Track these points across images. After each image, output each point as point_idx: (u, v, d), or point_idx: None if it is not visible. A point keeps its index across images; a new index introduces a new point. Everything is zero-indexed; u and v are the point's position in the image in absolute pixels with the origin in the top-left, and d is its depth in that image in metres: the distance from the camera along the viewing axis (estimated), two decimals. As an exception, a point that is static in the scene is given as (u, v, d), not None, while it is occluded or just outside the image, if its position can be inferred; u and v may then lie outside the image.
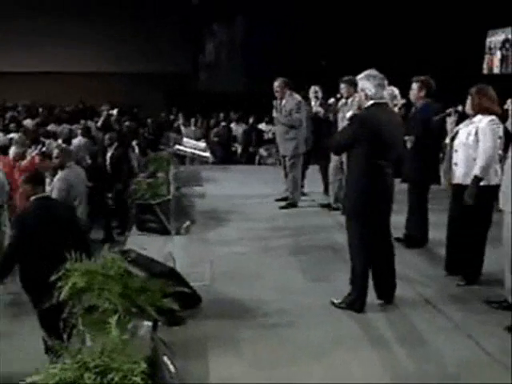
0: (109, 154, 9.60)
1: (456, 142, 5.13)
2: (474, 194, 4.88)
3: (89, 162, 9.99)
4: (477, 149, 4.96)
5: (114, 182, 9.53)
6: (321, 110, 8.52)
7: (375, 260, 4.75)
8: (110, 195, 9.49)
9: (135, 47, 21.90)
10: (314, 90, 8.83)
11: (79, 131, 11.40)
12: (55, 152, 7.21)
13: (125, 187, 9.19)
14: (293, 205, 8.37)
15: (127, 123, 12.64)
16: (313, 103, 8.76)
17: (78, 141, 10.95)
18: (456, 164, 5.13)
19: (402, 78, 6.67)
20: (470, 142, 5.01)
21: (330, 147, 5.13)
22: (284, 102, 8.32)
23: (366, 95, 4.57)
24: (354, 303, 4.68)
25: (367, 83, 4.58)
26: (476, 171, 4.90)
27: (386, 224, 4.80)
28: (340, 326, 4.46)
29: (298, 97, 8.38)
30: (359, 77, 4.68)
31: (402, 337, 4.28)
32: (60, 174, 7.05)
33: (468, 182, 4.99)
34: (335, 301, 4.78)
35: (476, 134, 4.98)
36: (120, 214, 9.44)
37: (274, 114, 8.49)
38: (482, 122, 4.98)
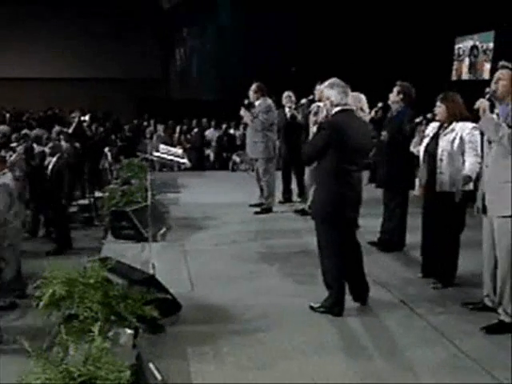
0: (50, 166, 9.10)
1: (439, 150, 5.17)
2: (461, 192, 5.02)
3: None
4: (460, 155, 5.06)
5: (54, 197, 9.03)
6: (297, 114, 8.53)
7: (347, 263, 4.81)
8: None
9: (105, 53, 21.77)
10: (286, 95, 8.87)
11: (62, 136, 11.21)
12: None
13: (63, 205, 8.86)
14: (268, 210, 8.40)
15: (101, 129, 12.51)
16: (287, 109, 8.81)
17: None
18: (442, 173, 5.17)
19: (373, 84, 6.77)
20: (455, 150, 5.09)
21: (303, 157, 5.13)
22: (256, 105, 8.38)
23: (332, 102, 4.71)
24: (333, 307, 4.73)
25: (331, 91, 4.72)
26: (467, 172, 5.02)
27: (353, 226, 4.96)
28: (320, 330, 4.49)
29: (269, 101, 8.46)
30: (323, 86, 4.87)
31: (381, 340, 4.32)
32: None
33: (453, 189, 5.08)
34: (314, 305, 4.82)
35: (460, 141, 5.07)
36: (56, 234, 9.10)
37: (242, 111, 8.51)
38: (465, 129, 5.08)
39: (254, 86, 8.43)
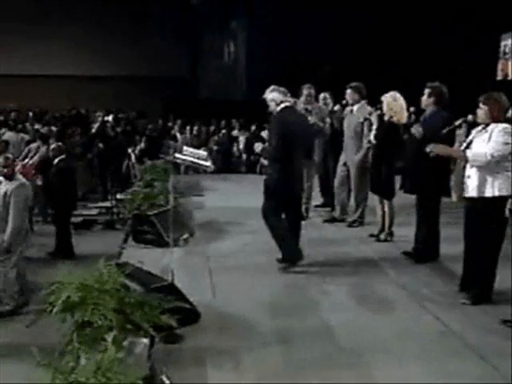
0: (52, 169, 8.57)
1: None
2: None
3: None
4: None
5: (55, 201, 8.50)
6: (328, 120, 8.26)
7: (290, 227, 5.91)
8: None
9: (131, 50, 21.55)
10: (322, 97, 8.57)
11: None
12: (2, 161, 6.43)
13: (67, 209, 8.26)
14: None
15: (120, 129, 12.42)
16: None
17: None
18: (469, 176, 4.87)
19: (412, 84, 6.50)
20: None
21: (271, 156, 6.09)
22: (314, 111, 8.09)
23: (276, 102, 5.79)
24: (292, 256, 5.79)
25: (275, 94, 5.82)
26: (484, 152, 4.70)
27: (296, 199, 6.07)
28: (344, 342, 4.31)
29: (323, 107, 8.34)
30: (267, 92, 5.87)
31: (412, 355, 4.09)
32: (18, 182, 6.34)
33: (481, 195, 4.78)
34: (279, 257, 5.83)
35: (488, 141, 4.76)
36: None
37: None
38: (495, 130, 4.75)
39: (311, 91, 8.18)
